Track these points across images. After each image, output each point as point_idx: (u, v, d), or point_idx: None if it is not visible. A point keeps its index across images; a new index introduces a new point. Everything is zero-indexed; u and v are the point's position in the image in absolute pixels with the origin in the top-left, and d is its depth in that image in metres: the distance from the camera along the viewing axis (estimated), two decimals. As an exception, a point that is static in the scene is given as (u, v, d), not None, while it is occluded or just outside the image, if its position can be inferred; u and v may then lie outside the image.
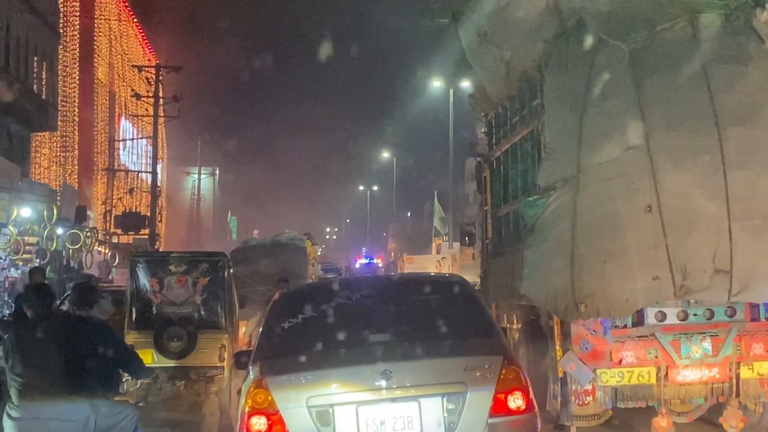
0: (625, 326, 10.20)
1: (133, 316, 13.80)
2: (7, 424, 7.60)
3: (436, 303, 8.05)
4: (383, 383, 6.89)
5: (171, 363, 13.39)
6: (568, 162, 10.13)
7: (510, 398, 6.96)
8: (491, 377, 6.97)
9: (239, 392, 7.71)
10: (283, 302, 8.44)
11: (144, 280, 14.13)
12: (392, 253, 74.69)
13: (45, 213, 28.21)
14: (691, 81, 9.91)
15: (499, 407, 6.91)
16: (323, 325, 7.62)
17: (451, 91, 42.85)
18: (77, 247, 32.00)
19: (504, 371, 7.02)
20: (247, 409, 6.94)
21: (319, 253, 42.84)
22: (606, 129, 9.98)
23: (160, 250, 42.73)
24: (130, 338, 13.27)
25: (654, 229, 9.53)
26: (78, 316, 7.98)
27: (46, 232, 27.94)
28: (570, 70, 10.59)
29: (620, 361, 10.18)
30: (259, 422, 6.85)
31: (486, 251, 15.62)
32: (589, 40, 10.44)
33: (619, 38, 10.23)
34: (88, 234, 33.48)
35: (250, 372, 7.43)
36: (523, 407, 7.00)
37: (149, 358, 13.18)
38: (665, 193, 9.59)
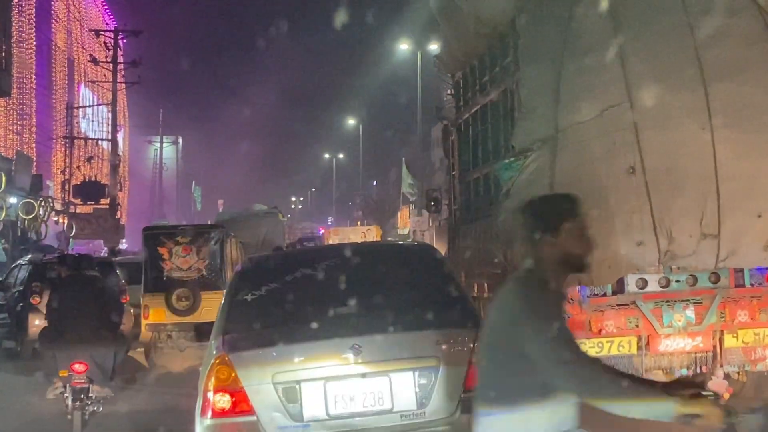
0: (604, 294, 9.80)
1: (148, 281, 17.14)
2: None
3: (406, 273, 7.72)
4: (352, 358, 6.63)
5: (180, 319, 16.55)
6: (546, 122, 9.65)
7: None
8: (465, 350, 6.73)
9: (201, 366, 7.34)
10: (246, 273, 8.03)
11: (155, 250, 17.19)
12: (358, 222, 74.21)
13: None
14: (676, 34, 9.45)
15: (473, 381, 6.20)
16: (289, 297, 7.33)
17: (419, 54, 42.13)
18: (31, 216, 31.36)
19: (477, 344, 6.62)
20: (210, 385, 6.65)
21: (284, 221, 43.41)
22: (585, 86, 9.50)
23: (120, 220, 42.32)
24: (146, 300, 16.90)
25: (637, 192, 9.09)
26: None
27: None
28: (546, 24, 10.10)
29: (600, 330, 9.77)
30: (223, 399, 6.59)
31: (454, 218, 15.17)
32: (566, -9, 9.91)
33: None
34: (43, 203, 32.84)
35: (213, 346, 7.08)
36: None
37: (162, 315, 16.81)
38: (649, 154, 9.14)
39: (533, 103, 9.96)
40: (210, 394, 6.62)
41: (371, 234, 39.61)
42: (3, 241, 28.51)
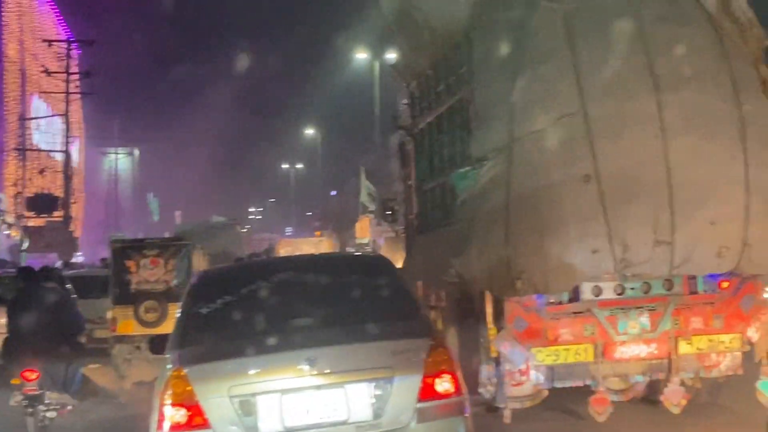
0: (560, 303, 9.78)
1: (115, 294, 16.93)
2: None
3: (360, 284, 7.61)
4: (307, 370, 6.59)
5: (149, 331, 15.86)
6: (501, 131, 9.66)
7: (438, 382, 6.72)
8: (419, 361, 6.72)
9: (156, 379, 7.18)
10: (201, 286, 7.93)
11: (123, 262, 17.16)
12: (317, 233, 73.90)
13: None
14: (629, 44, 9.56)
15: (427, 391, 6.67)
16: (244, 310, 7.24)
17: (377, 63, 42.07)
18: None
19: (432, 354, 6.78)
20: (165, 399, 6.60)
21: (244, 231, 43.65)
22: (540, 95, 9.57)
23: (74, 232, 41.89)
24: (114, 312, 16.66)
25: (592, 200, 9.13)
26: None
27: None
28: (500, 33, 10.14)
29: (556, 339, 9.78)
30: (178, 414, 6.53)
31: (411, 228, 15.12)
32: (520, 2, 10.01)
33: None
34: None
35: (168, 359, 7.03)
36: (452, 390, 6.77)
37: (130, 327, 16.57)
38: (604, 162, 9.20)
39: (488, 113, 9.97)
40: (165, 408, 6.56)
41: (323, 245, 39.49)
42: None
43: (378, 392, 6.64)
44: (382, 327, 7.02)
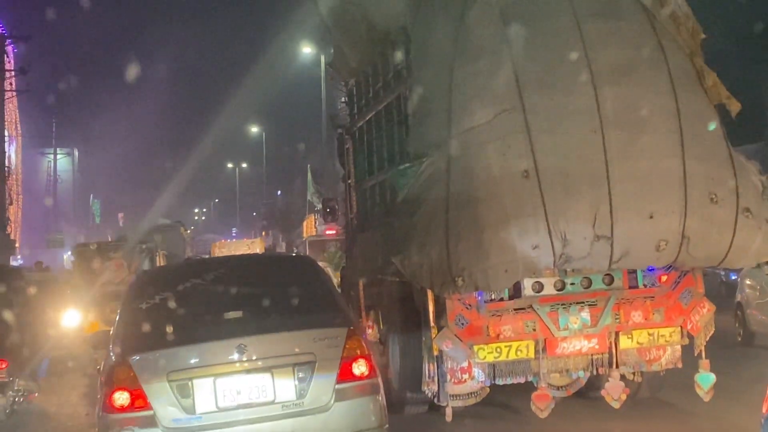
0: (501, 299, 9.79)
1: (83, 296, 17.67)
2: None
3: (285, 280, 8.50)
4: (238, 356, 7.42)
5: None
6: (439, 127, 9.58)
7: (354, 365, 7.57)
8: (337, 347, 7.57)
9: (99, 371, 8.15)
10: (140, 284, 8.86)
11: (88, 265, 18.30)
12: (263, 233, 73.48)
13: None
14: (565, 38, 9.54)
15: (345, 374, 7.54)
16: (180, 305, 8.04)
17: (323, 59, 41.44)
18: None
19: (349, 341, 7.62)
20: (109, 385, 7.37)
21: (188, 236, 44.02)
22: (478, 90, 9.48)
23: (10, 234, 41.03)
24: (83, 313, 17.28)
25: (532, 196, 9.08)
26: None
27: None
28: (437, 29, 10.04)
29: (497, 335, 9.77)
30: (122, 397, 7.28)
31: (351, 226, 15.03)
32: (455, -3, 9.88)
33: None
34: None
35: (111, 351, 7.80)
36: (367, 373, 7.62)
37: (96, 327, 16.67)
38: (542, 157, 9.16)
39: (426, 109, 9.87)
40: (110, 392, 7.33)
41: (255, 246, 41.22)
42: None
43: (301, 375, 7.46)
44: (304, 318, 7.92)
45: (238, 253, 35.85)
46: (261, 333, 7.65)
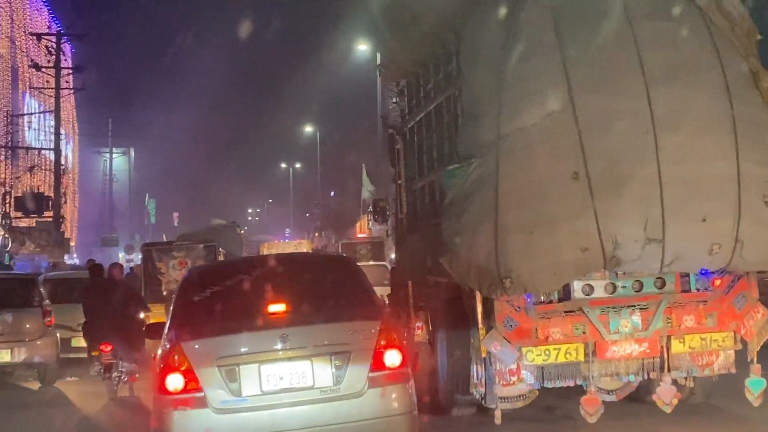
0: (550, 301, 9.73)
1: (148, 294, 18.10)
2: None
3: (325, 277, 9.23)
4: (281, 345, 8.05)
5: None
6: (489, 128, 9.52)
7: (387, 356, 8.13)
8: (371, 339, 8.17)
9: (155, 357, 8.86)
10: (193, 279, 9.58)
11: (154, 264, 19.05)
12: (316, 234, 73.62)
13: None
14: (618, 39, 9.44)
15: (378, 363, 8.10)
16: (229, 298, 8.78)
17: (378, 57, 41.32)
18: None
19: (382, 333, 8.20)
20: (164, 369, 8.05)
21: (242, 233, 44.55)
22: (528, 91, 9.43)
23: (65, 233, 41.34)
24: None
25: (582, 197, 9.01)
26: None
27: None
28: (488, 30, 9.99)
29: (546, 338, 9.72)
30: (175, 380, 7.94)
31: (401, 227, 15.01)
32: (507, -3, 9.84)
33: None
34: None
35: (165, 339, 8.48)
36: (398, 363, 8.17)
37: None
38: (592, 159, 9.08)
39: (476, 109, 9.84)
40: (165, 375, 7.99)
41: (302, 248, 41.87)
42: None
43: (338, 363, 8.04)
44: (341, 311, 8.54)
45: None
46: (302, 324, 8.30)
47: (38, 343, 15.80)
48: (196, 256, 20.08)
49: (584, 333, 9.72)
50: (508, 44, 9.64)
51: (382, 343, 8.17)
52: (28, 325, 15.90)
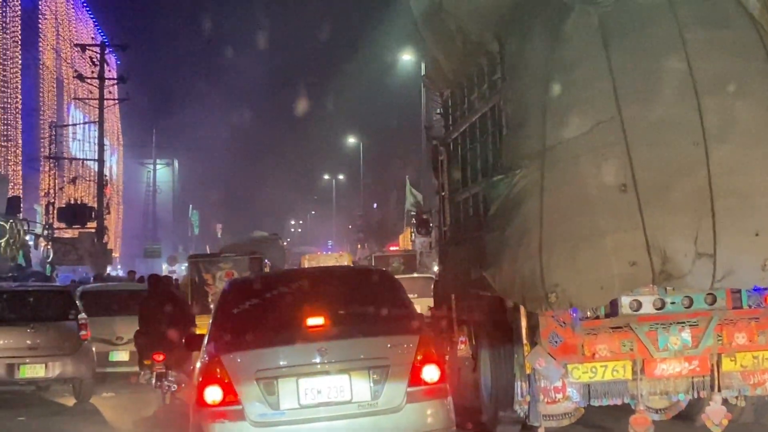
0: (597, 317, 9.47)
1: (195, 306, 18.16)
2: None
3: (364, 291, 9.27)
4: (319, 359, 8.15)
5: None
6: (534, 138, 9.33)
7: (425, 371, 8.17)
8: (409, 353, 8.21)
9: (194, 368, 9.17)
10: (232, 291, 9.62)
11: (200, 276, 19.20)
12: (358, 246, 73.68)
13: None
14: (667, 47, 9.19)
15: (416, 378, 8.14)
16: (268, 311, 8.90)
17: (423, 66, 40.86)
18: (2, 241, 30.47)
19: (420, 348, 8.23)
20: (203, 381, 8.13)
21: (284, 245, 44.96)
22: (574, 101, 9.21)
23: (107, 244, 41.41)
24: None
25: (629, 210, 8.77)
26: None
27: None
28: (533, 38, 9.80)
29: (593, 355, 9.48)
30: (214, 392, 8.02)
31: (444, 240, 14.83)
32: (554, 5, 9.66)
33: (587, 1, 9.48)
34: (14, 226, 31.78)
35: (204, 351, 8.59)
36: (437, 378, 8.21)
37: None
38: (641, 170, 8.83)
39: (520, 119, 9.65)
40: (204, 387, 8.08)
41: (343, 260, 41.94)
42: None
43: (376, 378, 8.09)
44: (379, 325, 8.60)
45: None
46: (340, 338, 8.37)
47: (73, 357, 15.41)
48: (242, 267, 20.17)
49: (632, 350, 9.47)
50: (553, 53, 9.45)
51: (421, 357, 8.21)
52: (62, 339, 15.55)
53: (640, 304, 9.38)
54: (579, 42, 9.36)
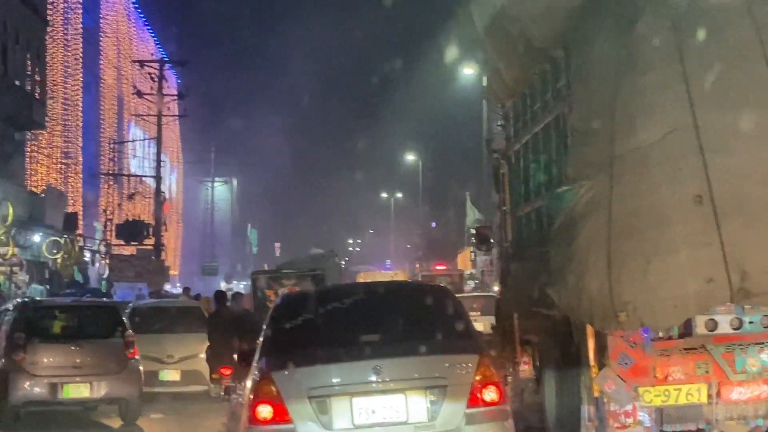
0: (670, 337, 9.05)
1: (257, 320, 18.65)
2: None
3: (421, 308, 8.92)
4: (374, 377, 7.90)
5: None
6: (602, 147, 8.90)
7: (485, 391, 7.93)
8: (468, 373, 7.98)
9: (245, 385, 8.92)
10: (284, 306, 9.46)
11: (263, 292, 19.64)
12: (417, 264, 73.45)
13: None
14: (745, 50, 8.73)
15: (475, 399, 7.90)
16: (321, 326, 8.66)
17: (485, 80, 40.23)
18: (58, 256, 30.56)
19: (480, 368, 8.00)
20: (254, 398, 7.95)
21: (342, 265, 45.04)
22: (645, 107, 8.75)
23: (164, 261, 41.51)
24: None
25: (705, 223, 8.30)
26: None
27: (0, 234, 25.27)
28: (600, 42, 9.39)
29: (665, 377, 9.05)
30: (266, 410, 7.82)
31: (505, 256, 14.43)
32: (623, 7, 9.23)
33: (660, 3, 9.05)
34: (69, 242, 31.80)
35: (255, 368, 8.43)
36: (497, 400, 7.99)
37: None
38: (718, 181, 8.36)
39: (587, 128, 9.25)
40: (255, 405, 7.90)
41: (399, 277, 42.28)
42: (33, 282, 27.61)
43: (433, 398, 7.87)
44: (437, 343, 8.33)
45: None
46: (396, 356, 8.10)
47: (120, 376, 14.76)
48: (304, 284, 20.39)
49: (707, 372, 9.03)
50: (623, 57, 9.02)
51: (480, 377, 7.98)
52: (109, 357, 14.89)
53: (716, 324, 8.96)
54: (651, 45, 8.92)
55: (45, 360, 14.52)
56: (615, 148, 8.78)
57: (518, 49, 11.47)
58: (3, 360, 14.65)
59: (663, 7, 9.04)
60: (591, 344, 9.27)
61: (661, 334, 9.00)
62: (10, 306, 16.56)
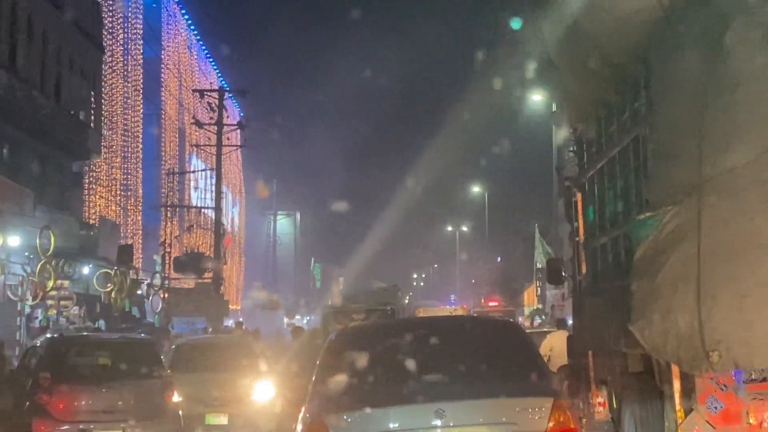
0: (764, 379, 8.36)
1: None
2: None
3: (488, 345, 8.41)
4: (437, 422, 7.25)
5: None
6: (688, 170, 8.21)
7: None
8: (542, 418, 7.30)
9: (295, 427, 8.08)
10: (339, 342, 8.77)
11: (334, 327, 17.46)
12: (482, 300, 72.62)
13: (38, 242, 24.33)
14: None
15: None
16: (378, 365, 7.97)
17: (554, 105, 39.16)
18: (109, 289, 30.23)
19: (554, 413, 7.32)
20: None
21: (406, 302, 44.94)
22: (737, 125, 8.05)
23: (224, 294, 41.23)
24: None
25: None
26: None
27: (39, 266, 24.66)
28: (684, 56, 8.67)
29: (760, 423, 8.39)
30: None
31: (579, 290, 13.66)
32: (709, 17, 8.49)
33: (749, 12, 8.29)
34: (120, 274, 31.39)
35: (306, 409, 7.82)
36: None
37: None
38: None
39: (671, 149, 8.56)
40: None
41: (457, 313, 41.11)
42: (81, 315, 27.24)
43: None
44: (507, 385, 7.70)
45: None
46: (461, 398, 7.49)
47: (156, 421, 13.57)
48: (375, 318, 20.23)
49: (807, 419, 8.25)
50: (710, 71, 8.29)
51: (553, 424, 7.29)
52: (143, 400, 13.65)
53: (817, 365, 8.19)
54: (741, 57, 8.19)
55: (73, 403, 13.35)
56: (703, 170, 8.10)
57: (592, 66, 10.81)
58: (27, 402, 13.56)
59: (753, 17, 8.30)
60: (677, 387, 8.65)
61: (754, 376, 8.33)
62: (38, 342, 15.44)
